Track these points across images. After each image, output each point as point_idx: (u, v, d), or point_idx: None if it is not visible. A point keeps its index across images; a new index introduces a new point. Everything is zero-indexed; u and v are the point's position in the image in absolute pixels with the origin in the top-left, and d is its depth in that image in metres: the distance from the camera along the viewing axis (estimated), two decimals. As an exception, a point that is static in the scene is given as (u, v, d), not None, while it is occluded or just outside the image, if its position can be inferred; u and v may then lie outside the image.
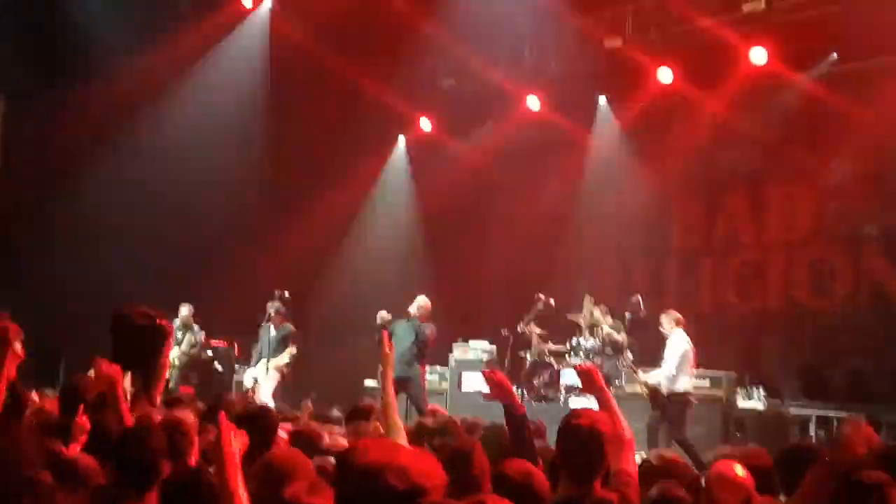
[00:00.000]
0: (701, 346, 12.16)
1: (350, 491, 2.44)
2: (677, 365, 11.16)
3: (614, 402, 4.54)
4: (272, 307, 13.91)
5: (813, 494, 4.31)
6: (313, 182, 17.22)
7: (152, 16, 15.83)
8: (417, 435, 5.83)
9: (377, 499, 2.38)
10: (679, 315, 11.60)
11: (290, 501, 3.14)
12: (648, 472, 4.73)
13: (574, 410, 4.36)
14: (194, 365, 14.94)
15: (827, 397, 13.41)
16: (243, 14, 16.95)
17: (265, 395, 12.90)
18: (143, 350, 5.47)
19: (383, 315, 12.60)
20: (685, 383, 11.22)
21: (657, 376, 11.40)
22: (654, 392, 11.34)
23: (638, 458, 4.70)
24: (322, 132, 17.14)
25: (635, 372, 11.87)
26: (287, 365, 13.72)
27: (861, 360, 14.24)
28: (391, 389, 5.08)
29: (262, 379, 13.55)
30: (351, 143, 17.48)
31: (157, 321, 5.61)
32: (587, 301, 14.04)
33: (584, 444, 4.03)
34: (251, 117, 16.82)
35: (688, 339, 11.43)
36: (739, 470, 4.24)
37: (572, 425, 4.11)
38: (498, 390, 4.97)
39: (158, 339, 5.51)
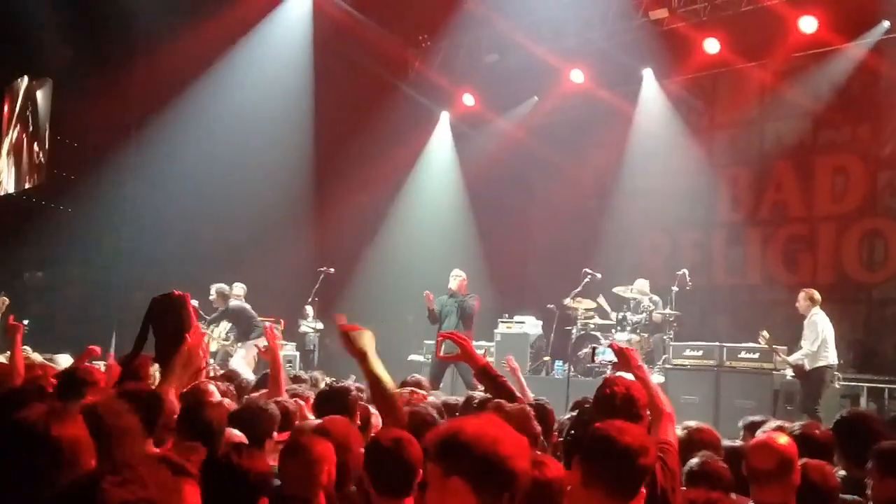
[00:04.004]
0: (749, 319, 12.10)
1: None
2: (819, 343, 11.34)
3: (651, 379, 4.53)
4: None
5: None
6: (357, 159, 17.26)
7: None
8: (465, 408, 5.90)
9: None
10: (815, 293, 11.69)
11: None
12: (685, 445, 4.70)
13: (607, 379, 4.37)
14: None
15: (878, 369, 13.25)
16: (286, -9, 16.96)
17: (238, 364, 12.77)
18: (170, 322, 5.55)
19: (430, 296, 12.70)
20: (825, 359, 11.38)
21: (796, 356, 11.57)
22: (798, 370, 11.55)
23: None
24: (366, 109, 17.13)
25: (776, 352, 11.87)
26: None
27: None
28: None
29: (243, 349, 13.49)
30: (394, 119, 17.47)
31: (175, 294, 5.72)
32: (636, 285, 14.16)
33: (618, 411, 4.01)
34: (295, 94, 16.86)
35: (825, 316, 11.53)
36: (783, 439, 4.20)
37: (606, 394, 4.14)
38: (461, 352, 5.01)
39: (178, 308, 5.58)
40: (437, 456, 2.57)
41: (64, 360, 8.13)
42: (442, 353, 5.35)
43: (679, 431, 4.80)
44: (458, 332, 12.07)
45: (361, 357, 4.28)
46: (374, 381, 4.25)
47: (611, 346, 4.99)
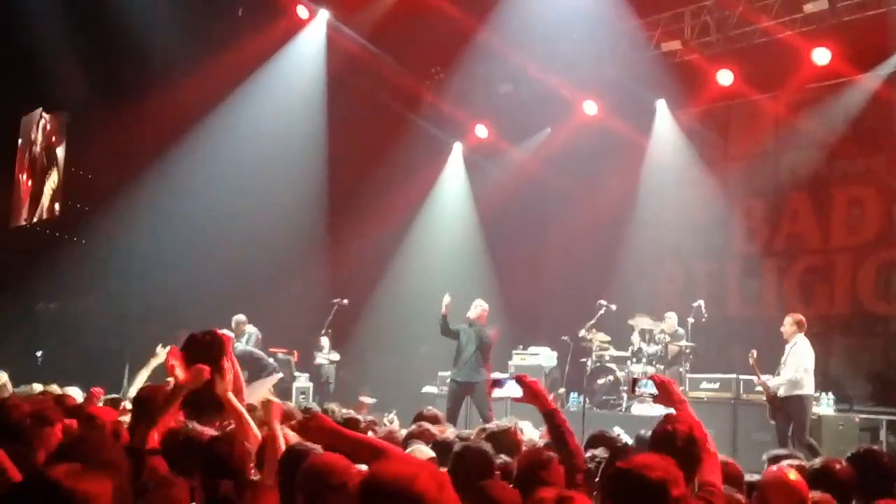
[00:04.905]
0: (765, 350, 11.98)
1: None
2: (801, 371, 11.01)
3: (695, 416, 4.35)
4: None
5: None
6: (371, 191, 17.30)
7: (209, 28, 16.02)
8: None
9: None
10: (802, 318, 11.36)
11: None
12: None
13: (668, 416, 4.21)
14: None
15: (897, 402, 13.09)
16: (300, 25, 17.07)
17: None
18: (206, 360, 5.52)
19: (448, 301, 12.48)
20: (804, 388, 11.03)
21: (777, 381, 11.23)
22: (770, 397, 11.23)
23: None
24: (379, 141, 17.20)
25: (758, 377, 11.62)
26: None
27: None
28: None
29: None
30: (408, 150, 17.52)
31: (216, 332, 5.68)
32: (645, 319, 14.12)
33: (679, 450, 3.86)
34: (309, 127, 16.94)
35: (808, 342, 11.22)
36: (793, 474, 4.14)
37: (668, 431, 3.99)
38: (528, 394, 4.90)
39: (217, 347, 5.55)
40: (361, 501, 2.56)
41: (74, 393, 8.06)
42: (514, 397, 5.11)
43: None
44: (481, 363, 12.11)
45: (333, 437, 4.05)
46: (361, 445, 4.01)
47: (652, 377, 4.85)
